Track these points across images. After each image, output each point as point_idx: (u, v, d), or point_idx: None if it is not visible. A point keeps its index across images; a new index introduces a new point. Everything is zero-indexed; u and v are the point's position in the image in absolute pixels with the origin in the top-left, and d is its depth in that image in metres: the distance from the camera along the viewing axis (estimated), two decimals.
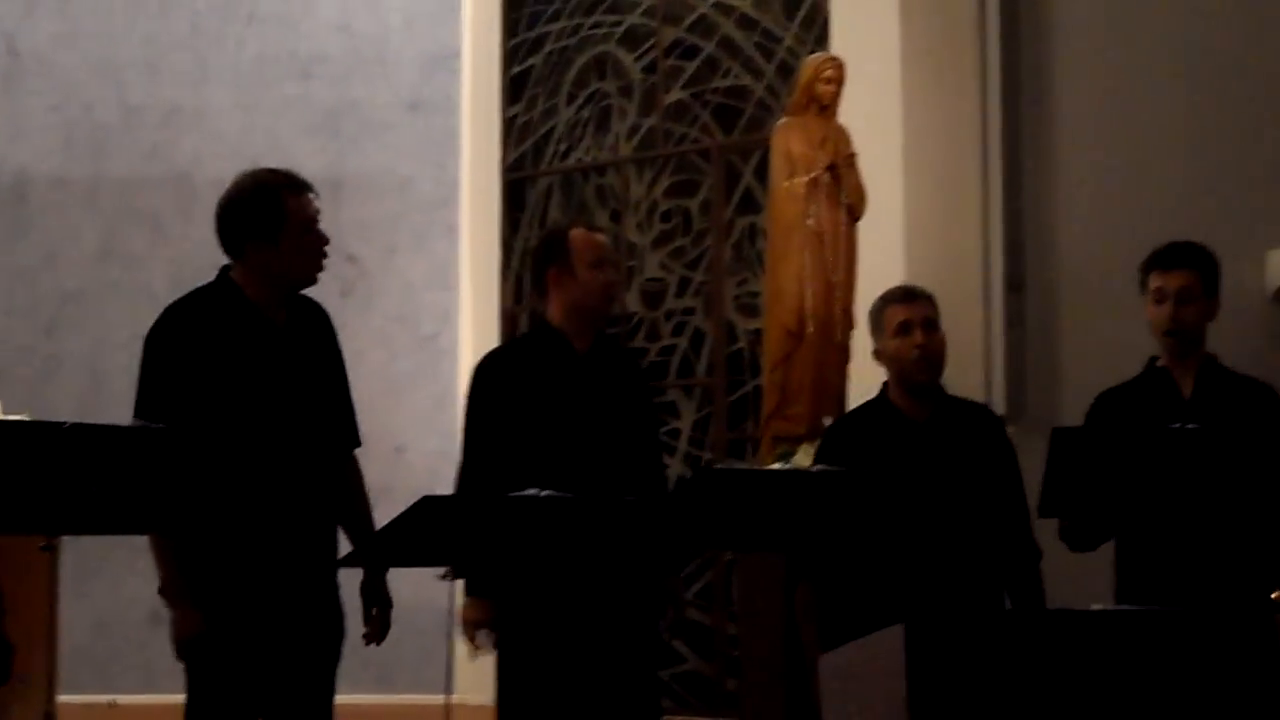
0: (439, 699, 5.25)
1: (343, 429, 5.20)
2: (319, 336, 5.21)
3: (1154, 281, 5.31)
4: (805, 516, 4.73)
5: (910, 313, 5.28)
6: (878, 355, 5.39)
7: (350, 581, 5.10)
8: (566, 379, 5.31)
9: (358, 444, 5.25)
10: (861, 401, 5.68)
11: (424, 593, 5.44)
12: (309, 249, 5.03)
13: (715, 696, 9.10)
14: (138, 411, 4.89)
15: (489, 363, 5.53)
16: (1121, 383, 5.41)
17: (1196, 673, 3.36)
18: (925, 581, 5.00)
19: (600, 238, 5.46)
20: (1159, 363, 5.35)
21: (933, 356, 5.27)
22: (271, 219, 4.99)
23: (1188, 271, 5.28)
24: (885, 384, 5.40)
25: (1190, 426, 4.73)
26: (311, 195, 5.08)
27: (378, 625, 5.10)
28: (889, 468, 4.99)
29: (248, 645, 4.84)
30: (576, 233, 5.45)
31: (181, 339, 4.95)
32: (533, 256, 5.61)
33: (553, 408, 5.27)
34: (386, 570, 5.10)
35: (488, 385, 5.38)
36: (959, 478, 5.17)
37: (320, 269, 5.08)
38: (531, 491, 4.46)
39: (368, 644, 5.09)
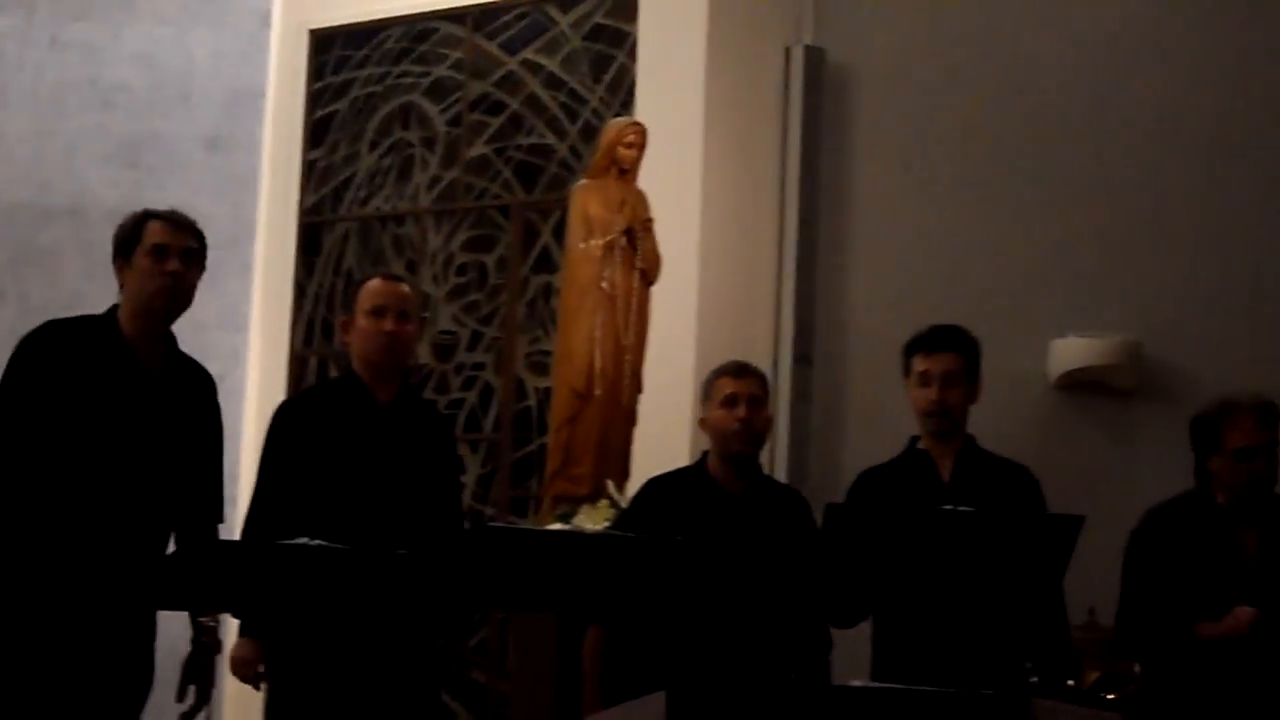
0: None
1: (205, 500, 5.15)
2: (194, 397, 5.17)
3: (918, 365, 5.35)
4: (579, 578, 4.73)
5: (738, 387, 5.37)
6: (703, 423, 5.48)
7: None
8: (364, 428, 5.26)
9: (220, 520, 5.20)
10: (647, 464, 5.74)
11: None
12: (148, 273, 4.97)
13: None
14: None
15: (289, 407, 5.48)
16: (882, 463, 5.46)
17: None
18: (709, 650, 5.03)
19: (386, 285, 5.38)
20: (919, 444, 5.40)
21: (754, 432, 5.36)
22: (129, 240, 4.99)
23: (952, 355, 5.33)
24: (705, 453, 5.46)
25: (962, 509, 4.79)
26: (178, 230, 5.06)
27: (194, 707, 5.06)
28: (698, 534, 5.00)
29: (46, 684, 4.75)
30: (369, 282, 5.42)
31: (43, 357, 4.92)
32: (327, 300, 5.59)
33: (348, 457, 5.22)
34: (215, 653, 5.06)
35: (284, 430, 5.33)
36: (765, 552, 5.21)
37: (160, 299, 4.99)
38: (302, 540, 4.44)
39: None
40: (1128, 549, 5.30)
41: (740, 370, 5.45)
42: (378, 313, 5.29)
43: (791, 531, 5.34)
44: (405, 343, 5.39)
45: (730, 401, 5.33)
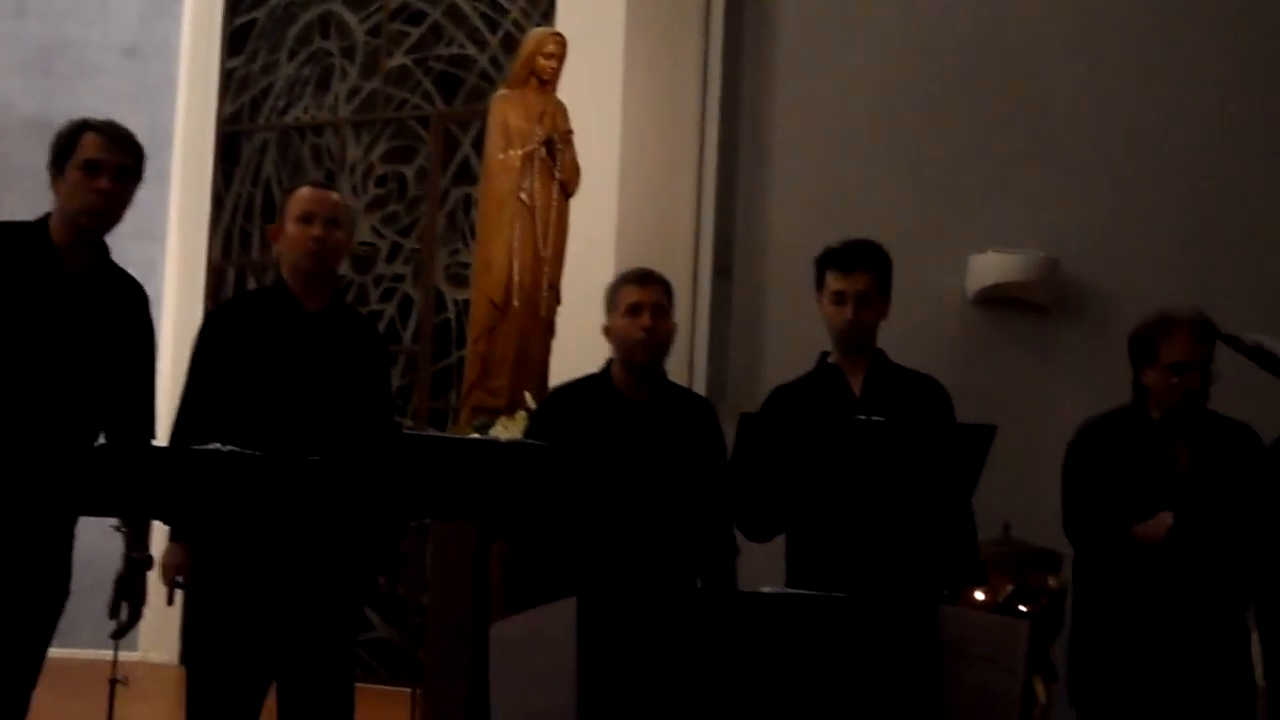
0: (122, 655, 5.13)
1: (135, 410, 5.11)
2: (122, 307, 5.10)
3: (833, 283, 5.30)
4: (494, 487, 4.73)
5: (642, 295, 5.30)
6: (606, 332, 5.41)
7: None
8: (291, 337, 5.20)
9: (152, 431, 5.16)
10: (566, 377, 5.70)
11: (112, 545, 5.33)
12: (78, 187, 4.88)
13: (402, 665, 9.08)
14: None
15: (216, 315, 5.43)
16: (794, 379, 5.45)
17: (860, 657, 3.43)
18: (615, 559, 5.02)
19: (315, 192, 5.32)
20: (830, 359, 5.39)
21: (658, 341, 5.29)
22: (63, 150, 4.89)
23: (866, 274, 5.30)
24: (609, 361, 5.42)
25: (876, 419, 4.81)
26: (113, 145, 4.93)
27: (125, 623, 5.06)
28: (600, 443, 4.98)
29: None
30: (298, 190, 5.36)
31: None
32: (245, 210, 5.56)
33: (276, 365, 5.17)
34: (147, 569, 5.03)
35: (213, 337, 5.28)
36: (669, 460, 5.19)
37: (88, 215, 4.89)
38: (214, 446, 4.41)
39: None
40: (1065, 461, 5.33)
41: (644, 278, 5.40)
42: (306, 219, 5.23)
43: (696, 438, 5.34)
44: (334, 250, 5.33)
45: (634, 310, 5.28)
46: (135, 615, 5.05)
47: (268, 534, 4.83)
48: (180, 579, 5.09)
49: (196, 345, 5.29)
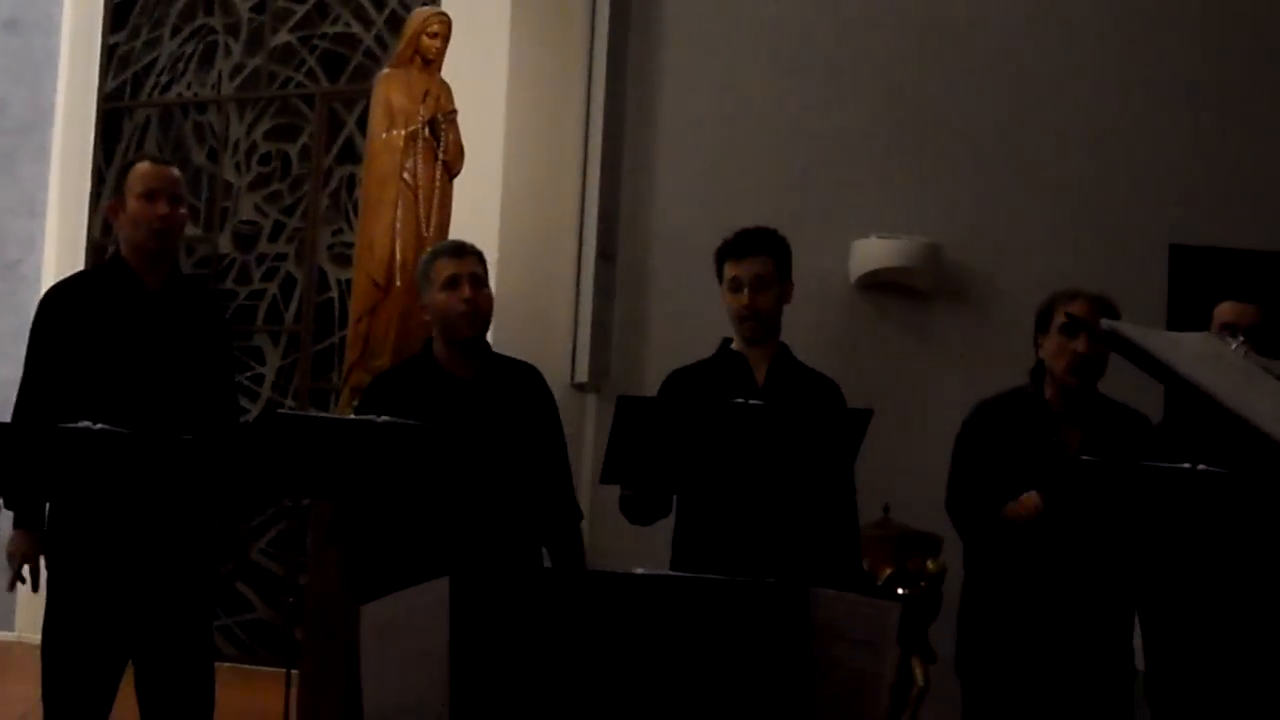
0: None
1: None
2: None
3: (729, 270, 5.32)
4: (368, 466, 4.71)
5: (459, 267, 5.23)
6: (423, 310, 5.36)
7: None
8: (131, 314, 5.17)
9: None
10: None
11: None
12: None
13: (281, 645, 9.02)
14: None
15: (55, 293, 5.37)
16: (695, 362, 5.45)
17: (730, 638, 3.43)
18: (465, 536, 5.00)
19: (156, 168, 5.28)
20: (733, 346, 5.40)
21: (479, 312, 5.23)
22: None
23: (761, 258, 5.31)
24: (429, 340, 5.37)
25: (754, 402, 4.82)
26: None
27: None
28: (427, 422, 4.93)
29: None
30: (137, 164, 5.32)
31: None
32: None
33: (116, 343, 5.13)
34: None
35: (51, 315, 5.24)
36: (503, 435, 5.16)
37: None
38: (84, 424, 4.38)
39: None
40: (958, 438, 5.35)
41: (458, 250, 5.34)
42: (149, 196, 5.20)
43: (529, 408, 5.31)
44: (178, 227, 5.32)
45: (452, 283, 5.20)
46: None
47: (125, 512, 4.82)
48: (27, 568, 5.08)
49: (35, 324, 5.28)
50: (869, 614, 3.57)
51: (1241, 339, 4.81)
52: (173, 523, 4.97)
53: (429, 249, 5.50)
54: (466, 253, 5.30)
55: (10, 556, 5.09)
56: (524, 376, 5.40)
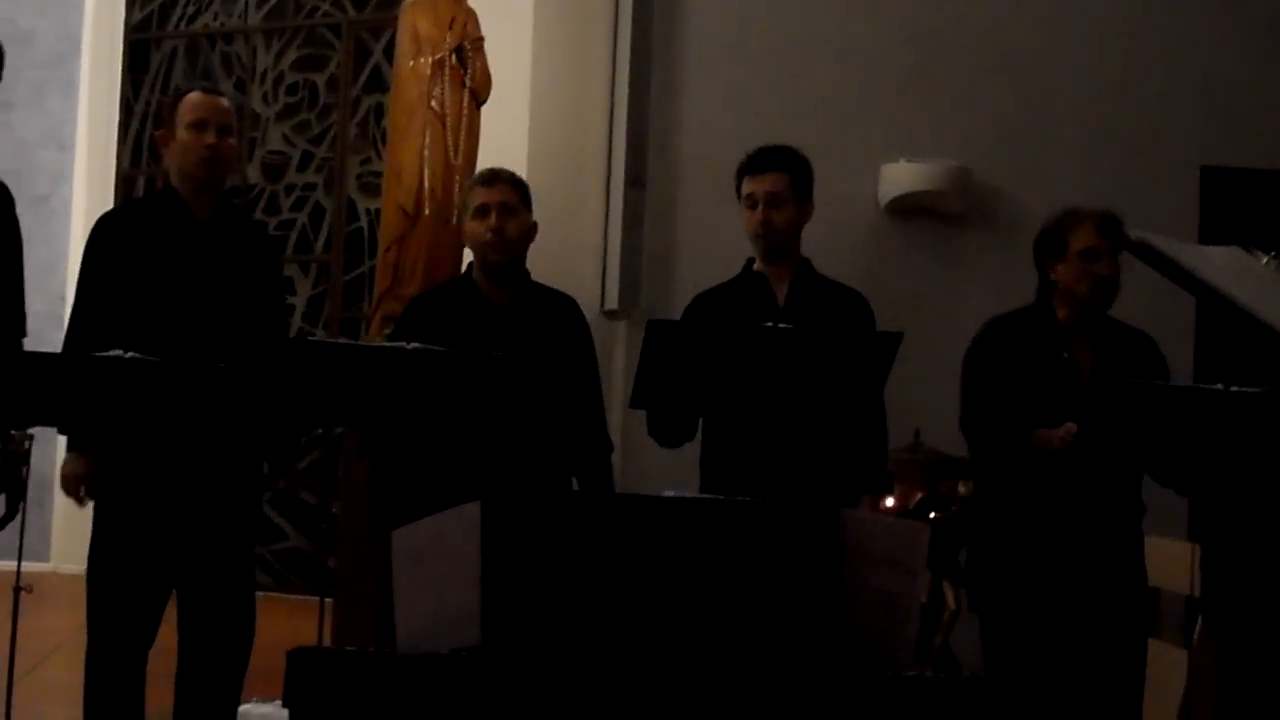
0: (33, 565, 5.14)
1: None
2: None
3: (746, 187, 5.32)
4: (398, 392, 4.72)
5: (489, 196, 5.24)
6: (463, 236, 5.40)
7: None
8: (182, 244, 5.19)
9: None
10: None
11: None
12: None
13: (315, 574, 9.07)
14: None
15: (105, 222, 5.39)
16: (718, 284, 5.45)
17: (761, 561, 3.45)
18: (496, 463, 5.02)
19: (206, 99, 5.30)
20: (755, 266, 5.39)
21: (507, 240, 5.23)
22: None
23: (777, 175, 5.30)
24: (469, 265, 5.39)
25: (782, 326, 4.82)
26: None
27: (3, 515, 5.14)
28: (467, 346, 4.94)
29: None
30: (188, 95, 5.33)
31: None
32: (154, 119, 5.55)
33: (166, 273, 5.15)
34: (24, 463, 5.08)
35: (103, 243, 5.26)
36: (537, 362, 5.17)
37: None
38: (116, 353, 4.40)
39: None
40: (966, 357, 5.34)
41: (491, 178, 5.34)
42: (199, 126, 5.22)
43: (563, 337, 5.32)
44: (227, 157, 5.33)
45: (482, 211, 5.22)
46: (13, 510, 5.06)
47: (167, 441, 4.84)
48: (83, 490, 5.10)
49: (87, 252, 5.30)
50: (899, 535, 3.58)
51: (1273, 253, 4.80)
52: (215, 453, 5.00)
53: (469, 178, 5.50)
54: (499, 181, 5.31)
55: (65, 480, 5.12)
56: (561, 306, 5.42)
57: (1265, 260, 4.49)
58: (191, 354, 4.86)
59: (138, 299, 5.12)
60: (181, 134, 5.22)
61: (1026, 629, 5.14)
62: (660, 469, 5.64)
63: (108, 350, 4.62)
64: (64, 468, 5.15)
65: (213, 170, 5.25)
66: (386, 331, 7.45)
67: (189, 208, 5.24)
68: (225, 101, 5.37)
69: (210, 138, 5.21)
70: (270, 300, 5.41)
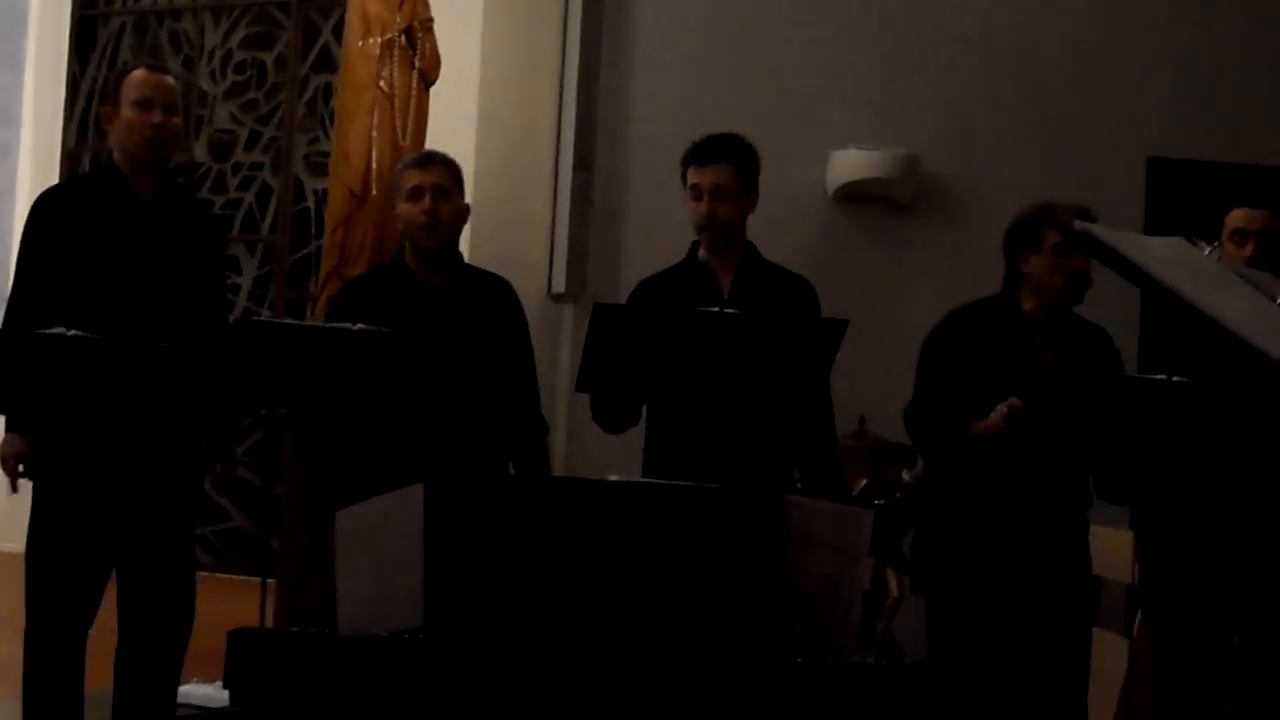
0: None
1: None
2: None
3: (691, 177, 5.29)
4: (341, 373, 4.71)
5: (422, 178, 5.22)
6: (395, 219, 5.39)
7: None
8: (123, 222, 5.16)
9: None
10: None
11: None
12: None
13: (257, 554, 9.03)
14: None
15: (45, 199, 5.35)
16: (662, 270, 5.43)
17: (704, 546, 3.45)
18: (433, 446, 5.00)
19: (152, 76, 5.26)
20: (700, 255, 5.38)
21: (441, 223, 5.21)
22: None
23: (723, 166, 5.27)
24: (402, 248, 5.37)
25: (728, 310, 4.82)
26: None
27: None
28: (400, 330, 4.92)
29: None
30: (133, 72, 5.30)
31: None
32: (100, 96, 5.52)
33: (107, 251, 5.12)
34: None
35: (41, 222, 5.22)
36: (471, 345, 5.15)
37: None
38: (58, 330, 4.38)
39: None
40: (923, 348, 5.33)
41: (425, 161, 5.34)
42: (144, 104, 5.19)
43: (498, 320, 5.30)
44: (172, 136, 5.30)
45: (416, 194, 5.19)
46: None
47: (108, 420, 4.81)
48: (21, 468, 5.08)
49: (27, 229, 5.27)
50: (842, 520, 3.59)
51: (1216, 245, 4.81)
52: (156, 432, 4.97)
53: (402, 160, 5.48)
54: (434, 163, 5.30)
55: (3, 459, 5.09)
56: (495, 289, 5.39)
57: (1208, 251, 4.51)
58: (133, 332, 4.84)
59: (78, 277, 5.09)
60: (126, 112, 5.19)
61: (971, 616, 5.13)
62: (604, 453, 5.64)
63: (49, 328, 4.60)
64: (3, 447, 5.13)
65: (157, 150, 5.23)
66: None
67: (131, 186, 5.21)
68: (171, 79, 5.34)
69: (156, 116, 5.18)
70: (211, 280, 5.39)
